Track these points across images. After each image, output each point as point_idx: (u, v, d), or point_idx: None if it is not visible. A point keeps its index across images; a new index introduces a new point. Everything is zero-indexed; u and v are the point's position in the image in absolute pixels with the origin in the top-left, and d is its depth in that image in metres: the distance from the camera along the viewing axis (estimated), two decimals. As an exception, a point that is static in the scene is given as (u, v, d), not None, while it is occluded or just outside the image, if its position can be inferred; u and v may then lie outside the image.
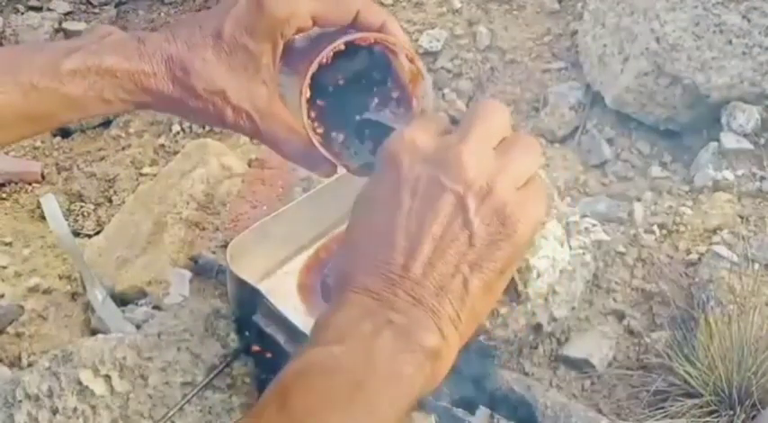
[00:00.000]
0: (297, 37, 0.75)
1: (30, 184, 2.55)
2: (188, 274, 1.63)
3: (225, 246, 1.41)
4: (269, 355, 1.12)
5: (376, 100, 0.78)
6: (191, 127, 2.71)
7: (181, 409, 1.10)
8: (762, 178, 1.96)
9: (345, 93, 0.77)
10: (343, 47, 0.73)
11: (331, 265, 0.66)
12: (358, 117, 0.75)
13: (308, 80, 0.72)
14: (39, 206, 2.36)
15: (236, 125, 0.75)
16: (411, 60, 0.76)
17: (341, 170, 0.77)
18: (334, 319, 0.55)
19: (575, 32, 2.49)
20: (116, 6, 3.20)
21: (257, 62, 0.73)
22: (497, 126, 0.63)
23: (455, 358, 0.57)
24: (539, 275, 1.49)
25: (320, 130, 0.74)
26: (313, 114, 0.73)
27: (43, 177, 2.58)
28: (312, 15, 0.73)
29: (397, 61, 0.77)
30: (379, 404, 0.52)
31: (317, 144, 0.73)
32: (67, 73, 0.73)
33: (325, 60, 0.72)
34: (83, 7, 3.20)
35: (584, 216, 1.74)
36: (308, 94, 0.72)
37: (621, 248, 1.72)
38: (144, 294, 1.67)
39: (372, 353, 0.52)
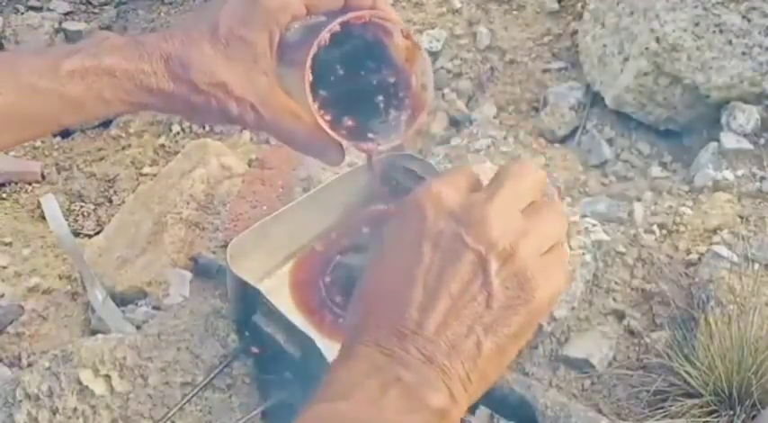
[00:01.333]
0: (289, 33, 0.75)
1: (30, 184, 2.55)
2: (188, 274, 1.63)
3: (225, 246, 1.41)
4: (269, 355, 1.12)
5: (381, 97, 0.79)
6: (190, 127, 2.71)
7: (181, 409, 1.10)
8: (762, 178, 1.96)
9: (345, 83, 0.77)
10: (339, 28, 0.73)
11: (345, 317, 0.61)
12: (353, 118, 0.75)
13: (309, 62, 0.72)
14: (39, 206, 2.36)
15: (241, 118, 0.74)
16: (407, 37, 0.77)
17: (349, 155, 0.77)
18: (340, 374, 0.54)
19: (575, 32, 2.49)
20: (116, 6, 3.20)
21: (255, 53, 0.73)
22: (527, 188, 0.59)
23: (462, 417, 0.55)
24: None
25: (327, 118, 0.74)
26: (316, 105, 0.73)
27: (43, 177, 2.58)
28: (305, 2, 0.74)
29: (392, 43, 0.78)
30: None
31: (324, 125, 0.73)
32: (67, 74, 0.72)
33: (323, 42, 0.72)
34: (83, 7, 3.20)
35: (584, 216, 1.74)
36: (311, 78, 0.72)
37: (621, 248, 1.72)
38: (144, 294, 1.67)
39: (378, 411, 0.51)
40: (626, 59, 2.20)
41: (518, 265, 0.55)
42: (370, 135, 0.77)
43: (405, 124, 0.77)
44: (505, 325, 0.55)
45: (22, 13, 3.14)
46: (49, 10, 3.17)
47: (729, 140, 2.04)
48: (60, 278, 1.99)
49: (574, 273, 1.56)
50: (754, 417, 1.41)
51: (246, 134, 2.62)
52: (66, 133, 2.74)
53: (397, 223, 0.59)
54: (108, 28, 3.08)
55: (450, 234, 0.55)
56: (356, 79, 0.77)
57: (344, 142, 0.75)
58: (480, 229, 0.55)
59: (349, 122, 0.76)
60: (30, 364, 1.65)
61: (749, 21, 2.03)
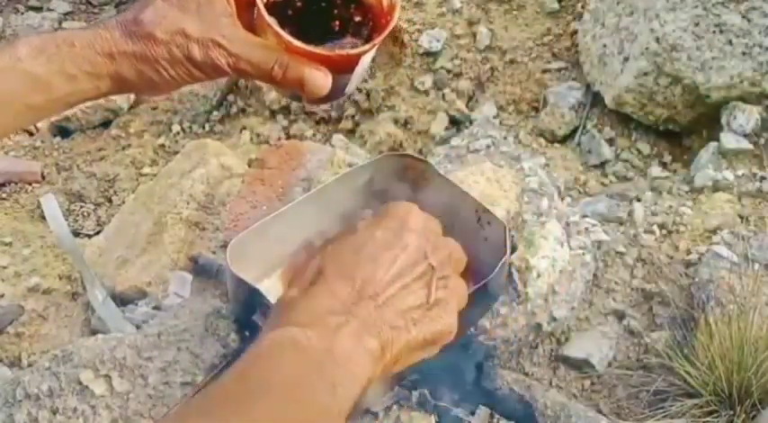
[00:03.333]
0: None
1: (30, 184, 2.55)
2: (188, 276, 1.62)
3: (225, 246, 1.41)
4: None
5: (337, 23, 0.78)
6: (191, 127, 2.71)
7: (181, 409, 1.10)
8: (762, 178, 1.96)
9: (304, 17, 0.77)
10: None
11: (317, 252, 0.73)
12: (320, 45, 0.74)
13: None
14: (39, 206, 2.36)
15: (208, 59, 0.72)
16: None
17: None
18: (305, 305, 0.66)
19: (575, 32, 2.49)
20: (116, 6, 3.20)
21: None
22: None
23: (381, 375, 0.68)
24: (539, 275, 1.49)
25: (286, 30, 0.72)
26: (274, 20, 0.72)
27: (43, 177, 2.58)
28: None
29: None
30: (336, 388, 0.62)
31: (292, 40, 0.70)
32: (25, 50, 0.71)
33: None
34: (83, 7, 3.20)
35: (584, 216, 1.74)
36: None
37: (621, 248, 1.72)
38: (144, 294, 1.67)
39: (334, 342, 0.63)
40: (626, 59, 2.20)
41: (447, 294, 0.71)
42: (329, 46, 0.76)
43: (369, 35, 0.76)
44: (426, 328, 0.69)
45: (22, 13, 3.14)
46: (49, 10, 3.17)
47: (729, 140, 2.04)
48: (60, 278, 1.99)
49: (574, 273, 1.56)
50: (754, 417, 1.42)
51: (246, 134, 2.62)
52: (66, 133, 2.74)
53: (379, 218, 0.74)
54: (108, 28, 3.08)
55: (419, 244, 0.71)
56: (315, 17, 0.77)
57: (317, 51, 0.72)
58: (440, 252, 0.72)
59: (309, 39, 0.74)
60: (30, 365, 1.65)
61: (749, 21, 2.04)
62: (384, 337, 0.66)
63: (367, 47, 0.74)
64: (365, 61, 0.77)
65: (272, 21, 0.72)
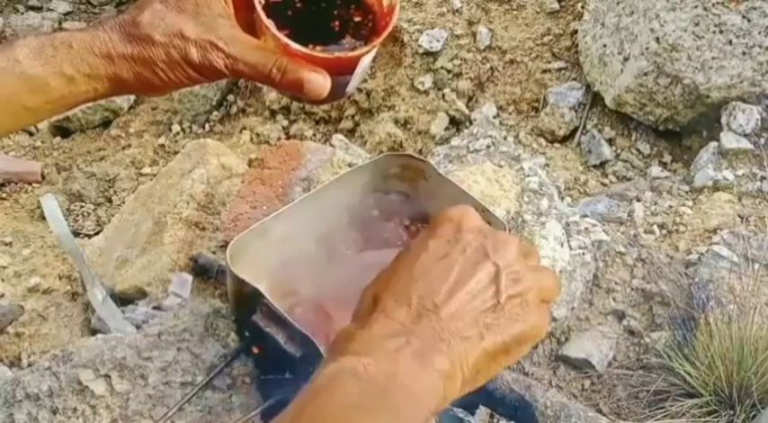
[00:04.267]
0: None
1: (30, 184, 2.56)
2: (189, 277, 1.62)
3: (225, 246, 1.41)
4: (269, 355, 1.12)
5: (337, 23, 0.78)
6: (191, 127, 2.71)
7: (181, 409, 1.10)
8: (762, 178, 1.96)
9: (304, 17, 0.77)
10: None
11: (371, 284, 0.69)
12: (319, 46, 0.73)
13: None
14: (39, 206, 2.36)
15: (205, 61, 0.72)
16: None
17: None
18: (361, 335, 0.62)
19: (575, 32, 2.49)
20: (116, 6, 3.20)
21: (209, 0, 0.72)
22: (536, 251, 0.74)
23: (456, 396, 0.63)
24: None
25: (285, 32, 0.72)
26: (272, 22, 0.71)
27: (43, 177, 2.58)
28: None
29: None
30: (400, 412, 0.58)
31: (290, 43, 0.70)
32: (23, 52, 0.71)
33: None
34: (83, 7, 3.20)
35: (584, 216, 1.74)
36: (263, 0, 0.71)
37: (621, 248, 1.72)
38: (144, 294, 1.67)
39: (396, 365, 0.59)
40: (626, 59, 2.20)
41: (523, 289, 0.66)
42: (328, 49, 0.75)
43: (367, 36, 0.76)
44: (504, 332, 0.64)
45: (22, 13, 3.14)
46: (49, 10, 3.17)
47: (729, 140, 2.04)
48: (60, 278, 1.99)
49: (574, 273, 1.56)
50: (754, 417, 1.42)
51: (246, 134, 2.62)
52: (66, 133, 2.75)
53: (431, 228, 0.70)
54: (108, 28, 3.08)
55: (477, 244, 0.66)
56: (315, 18, 0.77)
57: (313, 54, 0.72)
58: (502, 249, 0.67)
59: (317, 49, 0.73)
60: (30, 365, 1.65)
61: (749, 21, 2.04)
62: (454, 352, 0.61)
63: (366, 49, 0.74)
64: (365, 62, 0.76)
65: (269, 23, 0.72)
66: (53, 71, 0.71)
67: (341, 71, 0.76)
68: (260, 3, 0.72)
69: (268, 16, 0.72)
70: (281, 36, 0.71)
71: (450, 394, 0.61)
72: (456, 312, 0.63)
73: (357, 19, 0.79)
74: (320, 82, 0.73)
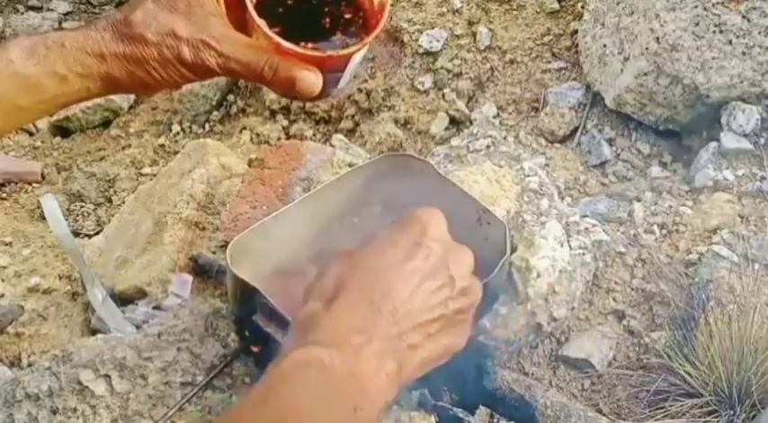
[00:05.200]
0: None
1: (30, 184, 2.55)
2: (189, 277, 1.62)
3: (225, 246, 1.41)
4: (269, 355, 1.12)
5: (328, 20, 0.78)
6: (191, 127, 2.71)
7: (181, 409, 1.10)
8: (762, 178, 1.96)
9: (295, 14, 0.77)
10: None
11: (338, 261, 0.72)
12: (311, 44, 0.74)
13: None
14: (39, 206, 2.36)
15: (198, 60, 0.72)
16: None
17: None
18: (326, 323, 0.66)
19: (575, 32, 2.49)
20: (116, 6, 3.20)
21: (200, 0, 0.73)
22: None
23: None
24: (539, 275, 1.49)
25: (276, 30, 0.72)
26: (264, 21, 0.71)
27: (43, 177, 2.58)
28: None
29: None
30: (356, 411, 0.62)
31: (282, 42, 0.70)
32: (16, 52, 0.71)
33: None
34: (83, 7, 3.20)
35: (584, 216, 1.74)
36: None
37: (621, 248, 1.72)
38: (144, 294, 1.67)
39: (358, 362, 0.63)
40: (626, 59, 2.20)
41: (466, 305, 0.70)
42: (319, 46, 0.75)
43: (358, 35, 0.76)
44: (441, 342, 0.69)
45: (22, 13, 3.14)
46: (49, 10, 3.17)
47: (729, 140, 2.04)
48: (60, 278, 1.99)
49: (574, 273, 1.56)
50: (754, 417, 1.42)
51: (246, 134, 2.62)
52: (66, 133, 2.74)
53: (401, 224, 0.72)
54: (108, 28, 3.08)
55: (440, 255, 0.70)
56: (306, 15, 0.77)
57: (299, 49, 0.71)
58: (458, 263, 0.71)
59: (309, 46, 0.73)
60: (30, 365, 1.65)
61: (749, 21, 2.03)
62: (402, 358, 0.65)
63: (357, 47, 0.74)
64: (356, 59, 0.77)
65: (261, 23, 0.72)
66: (46, 71, 0.72)
67: (332, 69, 0.76)
68: (251, 1, 0.73)
69: (259, 13, 0.72)
70: (273, 35, 0.72)
71: (393, 394, 0.65)
72: (410, 318, 0.66)
73: (347, 16, 0.79)
74: (312, 80, 0.74)
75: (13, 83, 0.71)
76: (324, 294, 0.68)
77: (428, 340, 0.67)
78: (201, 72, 0.74)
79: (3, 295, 1.95)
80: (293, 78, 0.73)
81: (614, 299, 1.65)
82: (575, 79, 2.42)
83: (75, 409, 1.12)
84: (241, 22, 0.75)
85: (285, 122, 2.64)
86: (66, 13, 3.17)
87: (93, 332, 1.65)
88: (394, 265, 0.68)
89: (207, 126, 2.72)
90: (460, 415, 1.24)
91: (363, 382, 0.62)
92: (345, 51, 0.74)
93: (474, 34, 2.58)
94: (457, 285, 0.69)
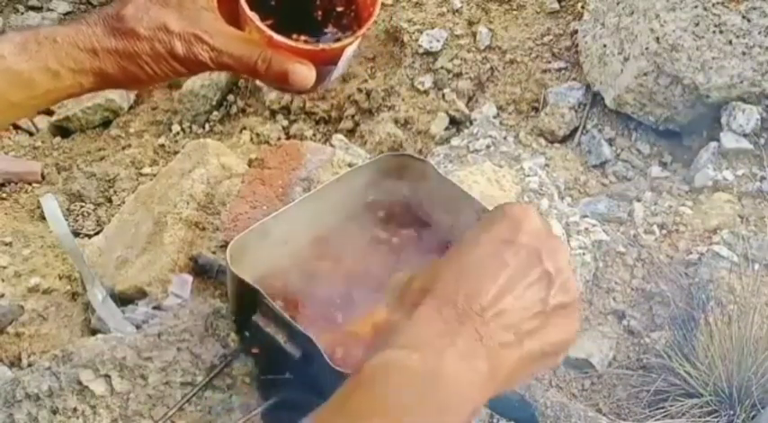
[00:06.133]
0: None
1: (30, 184, 2.55)
2: (189, 278, 1.62)
3: (225, 246, 1.41)
4: (269, 355, 1.12)
5: (320, 12, 0.78)
6: (191, 127, 2.71)
7: (181, 409, 1.10)
8: (762, 178, 1.96)
9: (287, 7, 0.77)
10: None
11: (417, 271, 0.68)
12: (303, 36, 0.73)
13: None
14: (39, 206, 2.36)
15: (190, 54, 0.72)
16: None
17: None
18: (408, 328, 0.62)
19: (575, 32, 2.49)
20: (116, 6, 3.20)
21: None
22: None
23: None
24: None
25: (268, 23, 0.72)
26: (255, 13, 0.71)
27: (43, 177, 2.58)
28: None
29: None
30: (445, 410, 0.59)
31: (274, 35, 0.70)
32: (8, 48, 0.71)
33: None
34: (83, 7, 3.20)
35: (584, 216, 1.74)
36: None
37: (621, 248, 1.72)
38: (144, 294, 1.67)
39: (442, 365, 0.59)
40: (626, 59, 2.20)
41: (568, 300, 0.65)
42: (311, 39, 0.75)
43: (349, 29, 0.76)
44: (544, 340, 0.64)
45: (22, 13, 3.14)
46: (49, 10, 3.17)
47: (729, 140, 2.04)
48: (60, 278, 1.99)
49: (574, 272, 1.56)
50: (754, 417, 1.42)
51: (246, 134, 2.62)
52: (66, 133, 2.74)
53: (487, 223, 0.68)
54: (108, 28, 3.08)
55: (532, 249, 0.65)
56: (298, 8, 0.77)
57: (297, 45, 0.71)
58: (554, 256, 0.66)
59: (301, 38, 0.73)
60: (30, 365, 1.65)
61: (749, 21, 2.03)
62: (493, 357, 0.61)
63: (350, 40, 0.74)
64: (348, 52, 0.76)
65: (254, 16, 0.71)
66: (38, 66, 0.71)
67: (325, 62, 0.76)
68: None
69: (251, 6, 0.72)
70: (265, 28, 0.71)
71: (485, 397, 0.62)
72: (500, 317, 0.62)
73: (339, 9, 0.79)
74: (305, 73, 0.73)
75: (5, 79, 0.71)
76: (405, 305, 0.65)
77: (526, 339, 0.63)
78: (194, 66, 0.73)
79: (3, 295, 1.95)
80: (286, 71, 0.73)
81: (614, 299, 1.65)
82: (575, 79, 2.42)
83: (75, 409, 1.12)
84: (233, 16, 0.75)
85: (285, 122, 2.64)
86: (66, 13, 3.17)
87: (93, 332, 1.65)
88: (480, 264, 0.65)
89: (207, 126, 2.72)
90: (460, 415, 1.24)
91: (447, 383, 0.59)
92: (338, 44, 0.74)
93: (474, 34, 2.58)
94: (556, 280, 0.64)
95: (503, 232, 0.66)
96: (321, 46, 0.73)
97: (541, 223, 0.67)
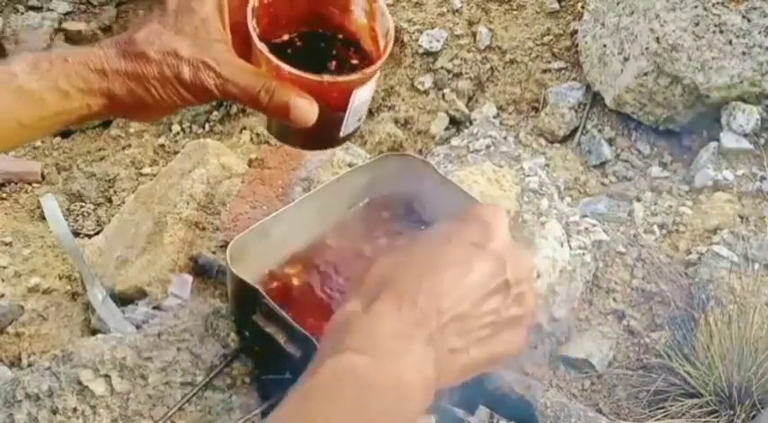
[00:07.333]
0: None
1: (30, 184, 2.56)
2: (189, 278, 1.62)
3: (225, 246, 1.41)
4: (269, 355, 1.12)
5: (334, 63, 0.79)
6: (190, 127, 2.71)
7: (181, 409, 1.10)
8: (762, 178, 1.96)
9: (303, 56, 0.78)
10: None
11: (384, 262, 0.68)
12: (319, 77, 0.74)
13: (252, 2, 0.73)
14: (39, 206, 2.36)
15: (197, 80, 0.72)
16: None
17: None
18: (364, 325, 0.62)
19: (575, 32, 2.49)
20: (116, 6, 3.20)
21: (207, 25, 0.73)
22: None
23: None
24: (539, 275, 1.49)
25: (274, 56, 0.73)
26: (264, 45, 0.72)
27: (43, 177, 2.58)
28: None
29: (348, 17, 0.79)
30: (396, 416, 0.60)
31: (281, 64, 0.71)
32: (20, 67, 0.71)
33: None
34: (83, 7, 3.20)
35: (584, 216, 1.74)
36: (254, 24, 0.72)
37: (621, 248, 1.72)
38: (144, 294, 1.67)
39: (396, 370, 0.60)
40: (626, 59, 2.20)
41: (521, 313, 0.66)
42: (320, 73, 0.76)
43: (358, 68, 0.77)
44: (490, 349, 0.64)
45: (22, 13, 3.14)
46: (49, 10, 3.17)
47: (729, 140, 2.04)
48: (60, 278, 1.99)
49: (574, 273, 1.56)
50: (754, 417, 1.42)
51: (246, 134, 2.62)
52: (66, 133, 2.74)
53: (458, 223, 0.67)
54: (108, 28, 3.09)
55: (499, 257, 0.65)
56: (314, 57, 0.78)
57: (291, 70, 0.72)
58: (518, 268, 0.65)
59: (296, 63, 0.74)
60: (30, 365, 1.65)
61: (749, 21, 2.03)
62: (442, 363, 0.62)
63: (355, 76, 0.74)
64: (357, 99, 0.76)
65: (262, 46, 0.72)
66: (49, 86, 0.72)
67: (333, 102, 0.76)
68: (254, 29, 0.73)
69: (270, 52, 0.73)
70: (272, 57, 0.72)
71: (429, 401, 0.62)
72: (456, 322, 0.62)
73: (354, 61, 0.80)
74: (306, 107, 0.73)
75: (16, 99, 0.72)
76: (365, 293, 0.64)
77: (473, 346, 0.63)
78: (200, 93, 0.74)
79: (3, 295, 1.95)
80: (287, 104, 0.73)
81: (614, 299, 1.65)
82: (575, 79, 2.42)
83: (75, 409, 1.12)
84: (247, 57, 0.75)
85: (285, 122, 2.64)
86: (66, 13, 3.17)
87: (93, 332, 1.65)
88: (445, 265, 0.64)
89: (207, 126, 2.72)
90: (460, 415, 1.24)
91: (401, 394, 0.60)
92: (345, 78, 0.74)
93: (474, 34, 2.58)
94: (512, 292, 0.64)
95: (474, 235, 0.66)
96: (326, 77, 0.73)
97: (508, 228, 0.67)
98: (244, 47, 0.75)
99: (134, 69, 0.73)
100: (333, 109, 0.76)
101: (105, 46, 0.74)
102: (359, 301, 0.64)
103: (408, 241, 0.69)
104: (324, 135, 0.79)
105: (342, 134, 0.80)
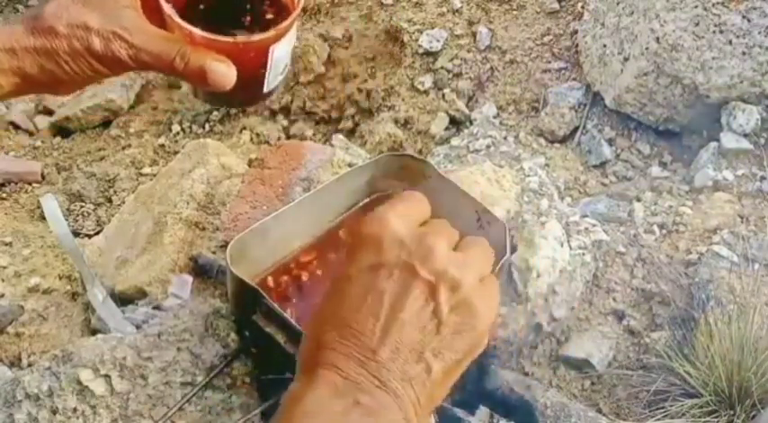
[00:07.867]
0: None
1: (30, 184, 2.56)
2: (189, 278, 1.62)
3: (225, 246, 1.41)
4: (269, 355, 1.12)
5: (248, 18, 0.78)
6: (191, 127, 2.71)
7: (181, 409, 1.10)
8: (762, 178, 1.96)
9: (216, 12, 0.76)
10: None
11: (307, 329, 0.64)
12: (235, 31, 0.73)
13: None
14: (39, 206, 2.36)
15: (108, 51, 0.70)
16: None
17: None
18: (305, 394, 0.57)
19: (575, 32, 2.49)
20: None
21: None
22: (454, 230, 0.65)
23: None
24: (539, 275, 1.49)
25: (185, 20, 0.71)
26: (170, 5, 0.71)
27: (43, 177, 2.58)
28: None
29: None
30: None
31: (192, 29, 0.70)
32: None
33: None
34: (83, 7, 3.20)
35: (584, 216, 1.74)
36: None
37: (621, 248, 1.72)
38: (144, 294, 1.67)
39: None
40: (626, 59, 2.20)
41: (464, 293, 0.59)
42: (232, 32, 0.75)
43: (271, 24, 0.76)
44: (453, 350, 0.59)
45: (22, 14, 3.14)
46: (48, 10, 3.17)
47: (729, 140, 2.04)
48: (60, 278, 1.99)
49: (574, 273, 1.56)
50: (754, 417, 1.42)
51: (246, 134, 2.62)
52: (66, 133, 2.75)
53: (351, 252, 0.62)
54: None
55: (403, 263, 0.59)
56: (228, 8, 0.77)
57: (204, 34, 0.71)
58: (430, 259, 0.59)
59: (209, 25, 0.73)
60: (30, 365, 1.65)
61: (749, 21, 2.03)
62: (404, 397, 0.57)
63: (269, 33, 0.72)
64: (276, 54, 0.74)
65: (171, 11, 0.71)
66: None
67: (250, 62, 0.74)
68: None
69: (183, 15, 0.72)
70: (183, 23, 0.71)
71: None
72: (395, 351, 0.58)
73: (270, 16, 0.78)
74: (223, 70, 0.72)
75: None
76: (305, 363, 0.61)
77: (434, 358, 0.58)
78: (113, 64, 0.72)
79: (3, 295, 1.95)
80: (203, 68, 0.71)
81: (614, 299, 1.65)
82: (575, 79, 2.42)
83: (75, 409, 1.12)
84: (162, 21, 0.74)
85: (285, 122, 2.64)
86: (67, 13, 3.17)
87: (93, 332, 1.65)
88: (356, 303, 0.59)
89: (207, 126, 2.72)
90: (460, 415, 1.24)
91: None
92: (257, 37, 0.72)
93: (474, 34, 2.58)
94: (439, 284, 0.59)
95: (367, 258, 0.60)
96: (239, 38, 0.71)
97: (404, 227, 0.61)
98: (156, 13, 0.74)
99: (43, 45, 0.71)
100: (252, 68, 0.74)
101: (13, 23, 0.72)
102: (303, 370, 0.60)
103: (324, 293, 0.63)
104: (248, 93, 0.77)
105: (266, 90, 0.78)
